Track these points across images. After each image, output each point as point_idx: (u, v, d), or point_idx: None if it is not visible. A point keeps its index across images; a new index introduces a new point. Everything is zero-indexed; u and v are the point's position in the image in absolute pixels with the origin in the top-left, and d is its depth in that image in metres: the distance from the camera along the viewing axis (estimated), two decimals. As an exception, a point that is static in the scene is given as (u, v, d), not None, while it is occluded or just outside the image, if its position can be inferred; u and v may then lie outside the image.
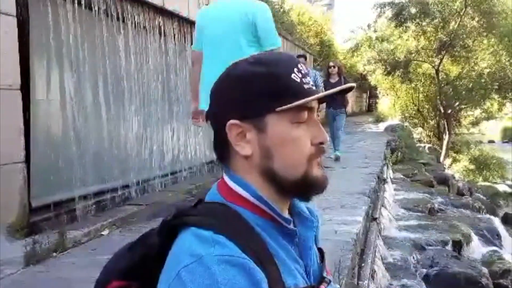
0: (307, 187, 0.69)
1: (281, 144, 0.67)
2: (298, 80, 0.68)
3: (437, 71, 13.71)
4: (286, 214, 0.71)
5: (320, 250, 0.80)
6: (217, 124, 0.70)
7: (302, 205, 0.77)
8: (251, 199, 0.68)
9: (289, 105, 0.66)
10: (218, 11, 2.42)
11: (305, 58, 6.75)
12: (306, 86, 0.68)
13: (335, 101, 5.88)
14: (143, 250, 0.70)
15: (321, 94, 0.69)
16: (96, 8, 3.56)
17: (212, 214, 0.65)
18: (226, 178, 0.71)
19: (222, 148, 0.71)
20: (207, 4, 4.59)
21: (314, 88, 0.70)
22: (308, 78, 0.70)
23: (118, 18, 3.83)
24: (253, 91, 0.67)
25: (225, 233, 0.61)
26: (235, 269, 0.57)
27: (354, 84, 0.74)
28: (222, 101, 0.70)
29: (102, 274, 0.73)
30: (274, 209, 0.68)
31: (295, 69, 0.68)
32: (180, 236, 0.63)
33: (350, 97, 15.47)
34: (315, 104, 0.70)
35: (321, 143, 0.70)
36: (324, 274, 0.77)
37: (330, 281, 0.77)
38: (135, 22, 4.06)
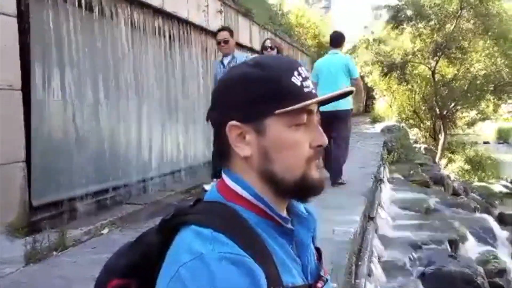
0: (305, 189, 0.70)
1: (280, 147, 0.68)
2: (298, 83, 0.68)
3: (433, 73, 13.75)
4: (284, 214, 0.71)
5: (317, 250, 0.80)
6: (217, 125, 0.71)
7: (300, 205, 0.77)
8: (250, 198, 0.68)
9: (288, 108, 0.66)
10: (328, 60, 4.70)
11: (231, 33, 4.43)
12: (306, 90, 0.69)
13: None
14: (142, 249, 0.70)
15: (320, 98, 0.70)
16: (96, 9, 3.58)
17: (211, 212, 0.65)
18: (225, 177, 0.71)
19: (222, 148, 0.71)
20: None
21: (314, 91, 0.71)
22: (308, 81, 0.71)
23: (117, 18, 3.85)
24: (253, 93, 0.67)
25: (224, 231, 0.61)
26: (234, 266, 0.57)
27: (353, 88, 0.76)
28: (222, 103, 0.70)
29: (102, 273, 0.73)
30: (273, 209, 0.69)
31: (295, 72, 0.69)
32: (180, 234, 0.64)
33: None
34: (314, 107, 0.70)
35: (320, 145, 0.70)
36: (322, 273, 0.77)
37: (327, 280, 0.77)
38: (133, 22, 4.07)
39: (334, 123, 4.23)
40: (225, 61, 4.39)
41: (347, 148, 4.59)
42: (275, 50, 4.50)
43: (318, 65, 4.72)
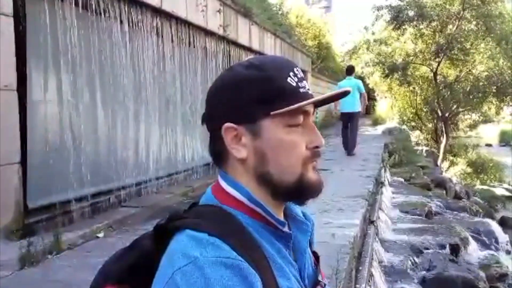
0: (302, 191, 0.69)
1: (276, 148, 0.67)
2: (294, 84, 0.67)
3: (435, 74, 13.74)
4: (280, 217, 0.70)
5: (314, 254, 0.79)
6: (212, 127, 0.70)
7: (297, 209, 0.77)
8: (246, 201, 0.67)
9: (284, 109, 0.66)
10: (347, 83, 7.64)
11: None
12: (302, 90, 0.68)
13: None
14: (137, 254, 0.69)
15: (316, 99, 0.69)
16: (94, 8, 3.55)
17: (206, 216, 0.65)
18: (220, 180, 0.70)
19: (218, 151, 0.70)
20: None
21: (310, 92, 0.69)
22: (304, 82, 0.69)
23: (114, 18, 3.82)
24: (248, 95, 0.66)
25: (220, 236, 0.60)
26: (230, 271, 0.56)
27: (348, 89, 0.73)
28: (217, 104, 0.69)
29: (96, 277, 0.72)
30: (269, 212, 0.68)
31: (291, 73, 0.68)
32: (175, 238, 0.63)
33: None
34: (310, 108, 0.70)
35: (317, 147, 0.69)
36: (319, 278, 0.76)
37: (325, 284, 0.77)
38: (131, 22, 4.04)
39: (351, 119, 7.77)
40: None
41: (357, 133, 8.10)
42: None
43: (340, 85, 7.48)
